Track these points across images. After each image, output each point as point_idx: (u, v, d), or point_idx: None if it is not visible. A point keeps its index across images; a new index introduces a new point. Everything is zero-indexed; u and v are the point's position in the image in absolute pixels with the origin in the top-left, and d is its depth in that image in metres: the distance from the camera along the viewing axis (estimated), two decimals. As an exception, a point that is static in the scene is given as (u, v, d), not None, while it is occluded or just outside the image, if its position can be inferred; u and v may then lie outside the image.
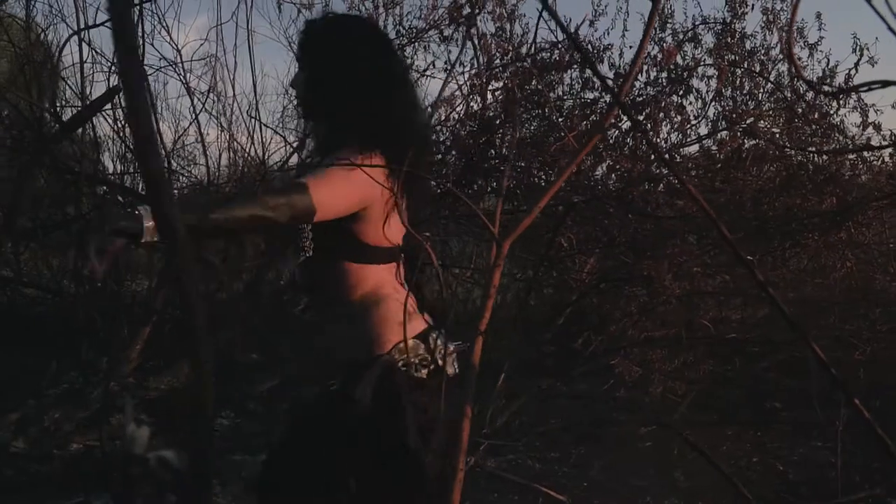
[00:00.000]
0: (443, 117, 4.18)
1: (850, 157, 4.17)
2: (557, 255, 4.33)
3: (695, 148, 4.31)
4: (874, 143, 4.06)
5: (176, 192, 5.25)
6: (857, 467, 3.68)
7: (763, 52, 4.15)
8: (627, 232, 4.14)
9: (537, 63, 4.07)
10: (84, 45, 4.43)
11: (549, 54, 4.10)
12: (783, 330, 4.20)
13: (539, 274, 4.33)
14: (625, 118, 3.93)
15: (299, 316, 5.48)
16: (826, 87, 4.04)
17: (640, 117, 3.96)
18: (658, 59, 4.02)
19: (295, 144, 5.14)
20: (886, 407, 3.71)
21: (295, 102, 2.21)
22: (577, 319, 4.78)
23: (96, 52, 4.84)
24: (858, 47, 3.86)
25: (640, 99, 4.03)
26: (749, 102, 4.14)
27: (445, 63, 4.25)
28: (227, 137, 5.61)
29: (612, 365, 4.31)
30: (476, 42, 4.05)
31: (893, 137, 3.99)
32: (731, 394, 4.75)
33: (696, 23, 4.08)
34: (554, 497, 2.72)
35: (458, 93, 4.24)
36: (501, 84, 4.14)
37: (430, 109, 3.99)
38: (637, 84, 3.98)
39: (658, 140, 4.00)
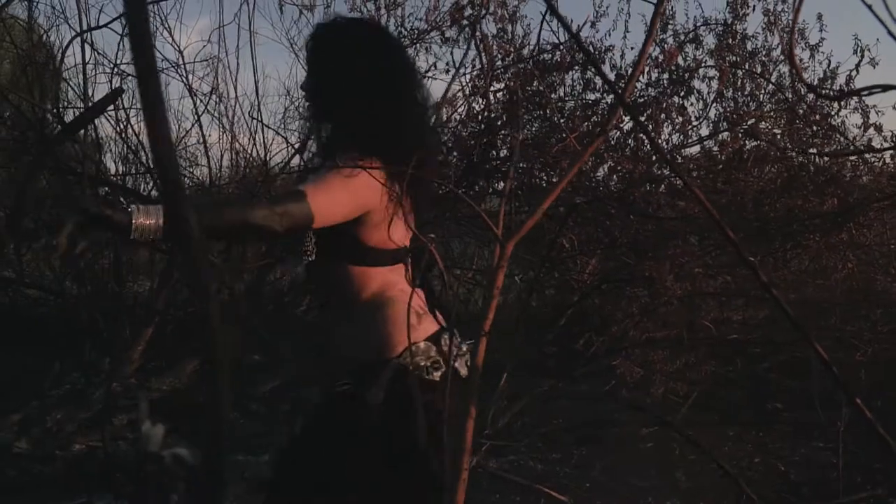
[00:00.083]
0: (444, 118, 4.18)
1: (852, 158, 4.17)
2: (559, 255, 4.33)
3: (696, 149, 4.32)
4: (875, 144, 4.06)
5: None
6: (859, 468, 3.69)
7: (764, 53, 4.16)
8: (629, 233, 4.14)
9: (539, 64, 4.08)
10: (87, 46, 4.44)
11: (550, 55, 4.11)
12: (785, 331, 4.20)
13: (541, 275, 4.34)
14: (626, 119, 3.93)
15: (301, 317, 5.49)
16: (826, 90, 4.04)
17: (642, 118, 3.96)
18: (659, 60, 4.02)
19: (297, 146, 5.15)
20: (888, 407, 3.72)
21: (303, 105, 2.21)
22: (578, 320, 4.79)
23: (99, 53, 4.84)
24: (860, 49, 3.87)
25: (642, 100, 4.03)
26: (750, 103, 4.14)
27: (447, 64, 4.26)
28: (229, 139, 5.62)
29: (613, 366, 4.31)
30: (478, 43, 4.05)
31: (895, 139, 3.99)
32: (733, 394, 4.76)
33: (698, 24, 4.09)
34: (556, 498, 2.73)
35: (459, 94, 4.25)
36: (503, 85, 4.15)
37: (433, 111, 3.99)
38: (638, 85, 3.98)
39: (659, 141, 4.01)
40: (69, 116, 4.62)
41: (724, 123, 4.12)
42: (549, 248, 3.99)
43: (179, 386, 4.21)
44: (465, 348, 1.93)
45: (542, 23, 4.06)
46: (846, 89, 4.03)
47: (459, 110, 4.30)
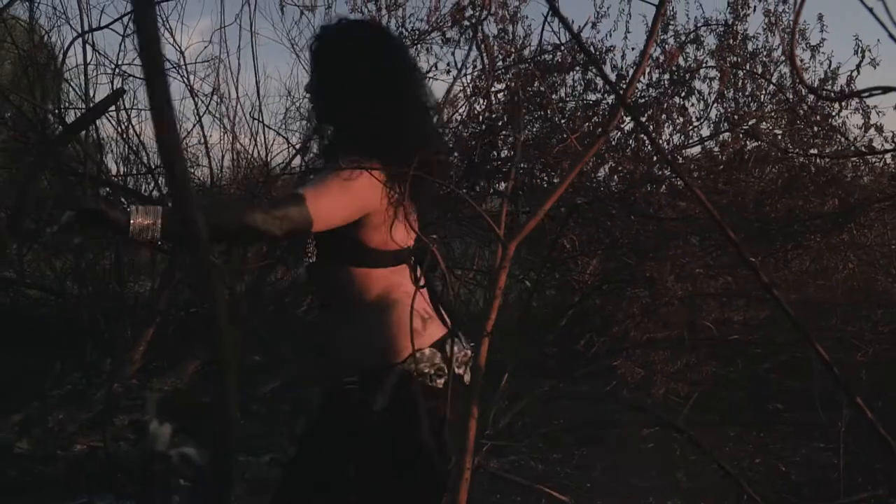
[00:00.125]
0: (445, 119, 4.18)
1: (853, 159, 4.17)
2: (560, 256, 4.34)
3: (697, 149, 4.32)
4: (876, 144, 4.06)
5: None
6: (860, 468, 3.69)
7: (765, 53, 4.16)
8: (630, 233, 4.15)
9: (540, 65, 4.08)
10: (88, 46, 4.45)
11: (551, 56, 4.11)
12: (786, 331, 4.20)
13: (542, 275, 4.34)
14: (627, 119, 3.93)
15: (301, 317, 5.49)
16: (827, 91, 4.04)
17: (643, 119, 3.96)
18: (660, 60, 4.02)
19: (298, 146, 5.15)
20: (889, 408, 3.72)
21: (307, 106, 2.21)
22: (579, 321, 4.79)
23: (100, 54, 4.85)
24: (860, 49, 3.87)
25: (643, 100, 4.04)
26: (751, 104, 4.14)
27: (448, 65, 4.27)
28: (231, 139, 5.62)
29: (614, 366, 4.31)
30: (479, 44, 4.06)
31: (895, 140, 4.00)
32: (734, 395, 4.76)
33: (698, 24, 4.09)
34: (556, 498, 2.73)
35: (460, 95, 4.25)
36: (504, 86, 4.15)
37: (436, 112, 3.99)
38: (639, 85, 3.98)
39: (660, 142, 4.01)
40: (70, 117, 4.63)
41: (725, 124, 4.12)
42: (550, 248, 3.99)
43: (181, 386, 4.22)
44: (470, 354, 1.92)
45: (543, 24, 4.07)
46: (847, 90, 4.04)
47: (460, 111, 4.31)
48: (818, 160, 4.12)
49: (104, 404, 3.89)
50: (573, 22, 4.12)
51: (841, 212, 3.82)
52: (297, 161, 5.14)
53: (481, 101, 4.20)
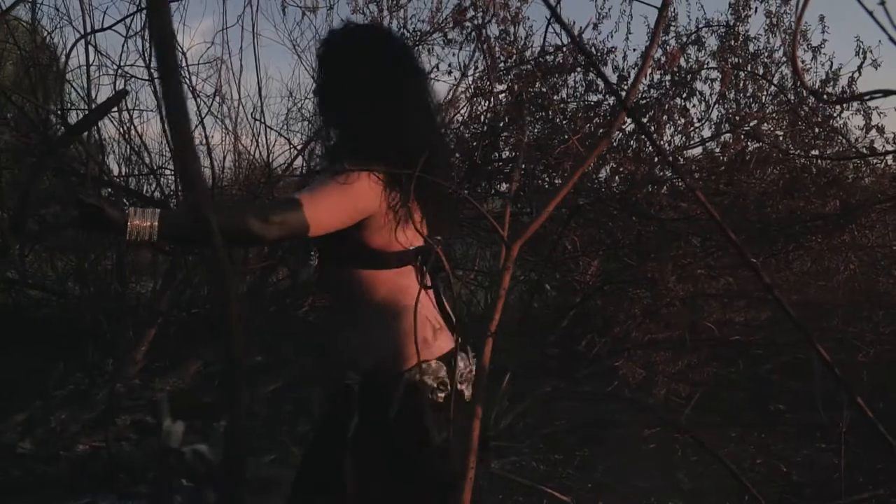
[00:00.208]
0: (447, 120, 4.19)
1: (854, 160, 4.17)
2: (561, 257, 4.34)
3: (698, 150, 4.33)
4: (877, 145, 4.07)
5: (180, 194, 5.27)
6: (861, 469, 3.69)
7: (766, 54, 4.16)
8: (631, 234, 4.15)
9: (541, 66, 4.09)
10: (90, 48, 4.46)
11: (552, 57, 4.11)
12: (787, 332, 4.21)
13: (543, 276, 4.35)
14: (628, 121, 3.93)
15: (302, 318, 5.49)
16: (828, 93, 4.05)
17: (644, 120, 3.96)
18: (662, 61, 4.03)
19: (299, 147, 5.16)
20: (890, 409, 3.72)
21: (314, 109, 2.21)
22: (581, 321, 4.80)
23: (102, 55, 4.85)
24: (861, 50, 3.87)
25: (644, 101, 4.04)
26: (752, 105, 4.15)
27: (449, 66, 4.27)
28: (232, 140, 5.63)
29: (616, 367, 4.32)
30: (482, 46, 4.06)
31: (897, 140, 4.01)
32: (735, 396, 4.76)
33: (700, 25, 4.09)
34: (558, 498, 2.73)
35: (462, 95, 4.26)
36: (505, 87, 4.15)
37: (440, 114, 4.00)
38: (641, 86, 3.98)
39: (661, 143, 4.01)
40: (73, 118, 4.64)
41: (727, 125, 4.12)
42: (551, 249, 4.00)
43: (183, 386, 4.23)
44: (474, 370, 1.93)
45: (547, 25, 4.07)
46: (848, 91, 4.04)
47: (462, 112, 4.31)
48: (819, 161, 4.12)
49: (106, 404, 3.90)
50: (574, 23, 4.12)
51: (842, 213, 3.83)
52: (298, 162, 5.16)
53: (483, 102, 4.21)
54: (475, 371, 1.92)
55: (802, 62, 4.05)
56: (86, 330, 4.78)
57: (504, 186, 4.40)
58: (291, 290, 5.42)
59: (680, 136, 4.15)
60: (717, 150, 4.23)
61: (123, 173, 5.50)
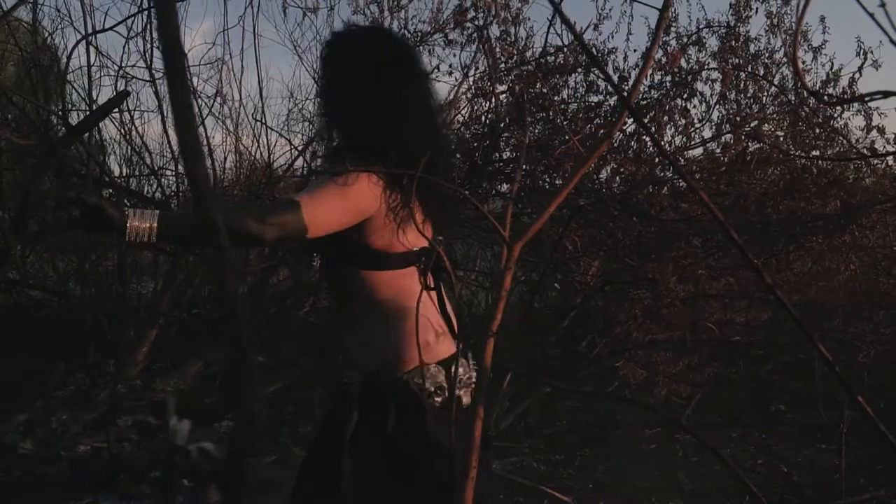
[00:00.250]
0: (448, 121, 4.19)
1: (855, 160, 4.18)
2: (562, 257, 4.34)
3: (699, 151, 4.33)
4: (878, 146, 4.07)
5: (181, 194, 5.28)
6: (862, 469, 3.70)
7: (767, 55, 4.17)
8: (632, 235, 4.15)
9: (542, 67, 4.09)
10: (91, 48, 4.46)
11: (553, 58, 4.12)
12: (788, 333, 4.21)
13: (544, 277, 4.35)
14: (629, 121, 3.93)
15: (303, 319, 5.50)
16: (829, 94, 4.05)
17: (645, 120, 3.97)
18: (662, 62, 4.03)
19: (300, 148, 5.16)
20: (891, 408, 3.72)
21: (318, 111, 2.22)
22: (581, 322, 4.80)
23: (104, 55, 4.86)
24: (862, 51, 3.88)
25: (645, 102, 4.04)
26: (753, 106, 4.15)
27: (450, 66, 4.28)
28: (233, 140, 5.64)
29: (616, 367, 4.32)
30: (485, 47, 4.07)
31: (897, 141, 4.01)
32: (736, 396, 4.76)
33: (701, 26, 4.09)
34: (559, 498, 2.73)
35: (463, 96, 4.26)
36: (506, 87, 4.16)
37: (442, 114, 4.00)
38: (641, 87, 3.99)
39: (662, 143, 4.01)
40: (74, 119, 4.64)
41: (727, 126, 4.13)
42: (552, 249, 4.00)
43: (184, 387, 4.23)
44: (474, 377, 1.94)
45: (549, 26, 4.08)
46: (849, 92, 4.05)
47: (463, 112, 4.32)
48: (820, 162, 4.13)
49: (108, 405, 3.90)
50: (575, 24, 4.12)
51: (843, 213, 3.83)
52: (299, 163, 5.17)
53: (484, 102, 4.22)
54: (476, 374, 1.92)
55: (803, 63, 4.06)
56: (87, 330, 4.79)
57: (505, 187, 4.40)
58: (292, 291, 5.43)
59: (681, 136, 4.16)
60: (718, 150, 4.24)
61: (124, 174, 5.51)
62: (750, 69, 4.12)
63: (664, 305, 4.09)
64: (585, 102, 4.23)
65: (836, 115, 4.15)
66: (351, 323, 1.94)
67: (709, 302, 4.24)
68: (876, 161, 4.37)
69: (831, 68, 4.15)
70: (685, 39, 4.10)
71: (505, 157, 4.37)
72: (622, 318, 4.33)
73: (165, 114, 4.88)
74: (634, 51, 4.21)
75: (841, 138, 4.19)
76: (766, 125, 4.11)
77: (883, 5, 0.85)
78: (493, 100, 4.17)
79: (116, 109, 4.49)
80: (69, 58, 4.84)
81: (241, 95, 7.49)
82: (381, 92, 1.84)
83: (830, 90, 4.14)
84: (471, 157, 4.18)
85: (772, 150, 4.01)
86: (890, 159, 4.38)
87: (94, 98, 4.63)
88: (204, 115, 4.94)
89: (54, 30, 5.30)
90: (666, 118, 4.03)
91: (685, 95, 4.06)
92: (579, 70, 4.13)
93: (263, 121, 5.40)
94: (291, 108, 7.18)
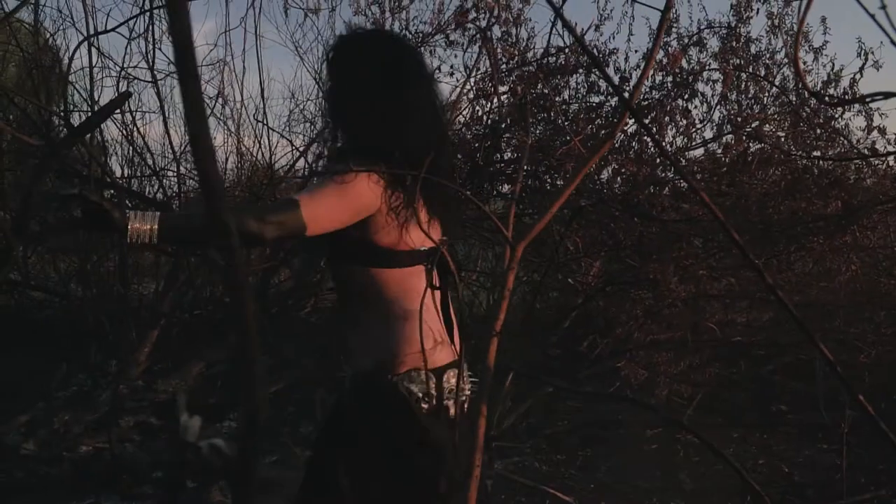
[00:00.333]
0: (450, 121, 4.20)
1: (856, 161, 4.18)
2: (563, 258, 4.35)
3: (700, 152, 4.33)
4: (879, 146, 4.08)
5: (182, 195, 5.29)
6: (863, 469, 3.70)
7: (768, 56, 4.17)
8: (633, 235, 4.16)
9: (543, 67, 4.09)
10: (93, 49, 4.47)
11: (554, 58, 4.12)
12: (789, 333, 4.21)
13: (545, 277, 4.35)
14: (630, 122, 3.94)
15: (305, 319, 5.50)
16: (829, 94, 4.05)
17: (646, 121, 3.97)
18: (663, 63, 4.03)
19: (301, 148, 5.17)
20: (892, 409, 3.73)
21: (325, 113, 2.23)
22: (583, 322, 4.80)
23: (105, 56, 4.87)
24: (863, 52, 3.88)
25: (646, 103, 4.04)
26: (754, 106, 4.15)
27: (451, 67, 4.28)
28: (235, 141, 5.65)
29: (618, 368, 4.32)
30: (488, 48, 4.07)
31: (898, 141, 4.01)
32: (737, 396, 4.76)
33: (702, 27, 4.10)
34: (561, 498, 2.73)
35: (464, 97, 4.26)
36: (507, 88, 4.16)
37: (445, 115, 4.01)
38: (642, 88, 3.99)
39: (663, 144, 4.02)
40: (75, 120, 4.65)
41: (728, 126, 4.13)
42: (554, 250, 4.00)
43: (185, 388, 4.23)
44: (468, 392, 1.95)
45: (551, 27, 4.08)
46: (850, 93, 4.05)
47: (464, 113, 4.32)
48: (821, 162, 4.13)
49: (109, 406, 3.90)
50: (576, 25, 4.12)
51: (844, 214, 3.83)
52: (300, 163, 5.18)
53: (485, 103, 4.22)
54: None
55: (804, 63, 4.06)
56: (88, 331, 4.79)
57: (506, 188, 4.41)
58: (293, 292, 5.44)
59: (682, 137, 4.16)
60: (719, 151, 4.24)
61: (126, 175, 5.52)
62: (751, 70, 4.13)
63: (665, 306, 4.10)
64: (587, 103, 4.23)
65: (837, 116, 4.15)
66: (353, 321, 1.95)
67: (710, 302, 4.24)
68: (877, 161, 4.37)
69: (832, 69, 4.15)
70: (686, 40, 4.10)
71: (506, 157, 4.38)
72: (623, 319, 4.33)
73: (167, 115, 4.90)
74: (636, 51, 4.22)
75: (842, 139, 4.19)
76: (768, 126, 4.11)
77: (884, 7, 0.86)
78: (496, 100, 4.17)
79: (118, 110, 4.50)
80: (71, 59, 4.86)
81: (242, 96, 7.55)
82: (384, 94, 1.85)
83: (831, 91, 4.14)
84: (472, 157, 4.18)
85: (773, 151, 4.01)
86: (891, 160, 4.38)
87: (96, 99, 4.64)
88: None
89: (56, 31, 5.32)
90: (667, 119, 4.03)
91: (686, 96, 4.06)
92: (580, 71, 4.13)
93: (265, 122, 5.42)
94: (293, 109, 7.17)
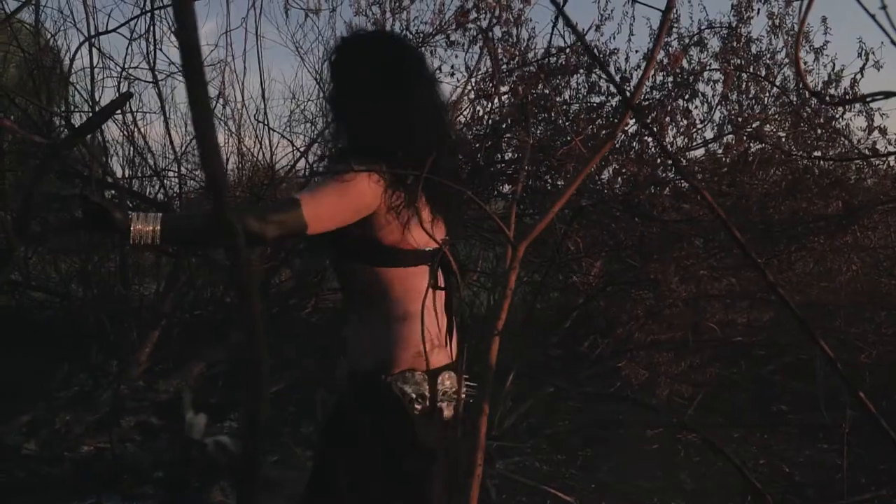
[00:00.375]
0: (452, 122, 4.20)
1: (856, 161, 4.18)
2: (564, 258, 4.35)
3: (700, 152, 4.33)
4: (879, 147, 4.08)
5: (183, 195, 5.29)
6: (863, 469, 3.70)
7: (769, 56, 4.17)
8: (634, 235, 4.16)
9: (544, 67, 4.09)
10: (94, 50, 4.48)
11: (555, 59, 4.12)
12: (789, 333, 4.21)
13: (546, 277, 4.35)
14: (630, 122, 3.94)
15: (305, 319, 5.51)
16: (830, 97, 4.05)
17: (647, 121, 3.97)
18: (664, 63, 4.03)
19: (302, 149, 5.18)
20: (892, 409, 3.73)
21: (328, 115, 2.24)
22: (583, 322, 4.80)
23: (107, 57, 4.87)
24: (864, 52, 3.88)
25: (647, 103, 4.04)
26: (755, 106, 4.15)
27: (452, 67, 4.28)
28: (236, 142, 5.65)
29: (618, 368, 4.32)
30: (490, 48, 4.07)
31: (899, 142, 4.01)
32: (738, 396, 4.77)
33: (702, 27, 4.10)
34: (561, 498, 2.74)
35: (465, 97, 4.26)
36: (507, 88, 4.16)
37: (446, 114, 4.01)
38: (643, 88, 3.99)
39: (665, 143, 4.02)
40: (76, 120, 4.66)
41: (729, 126, 4.13)
42: (554, 250, 4.01)
43: (190, 386, 4.24)
44: (463, 392, 1.95)
45: (553, 27, 4.08)
46: (850, 93, 4.05)
47: (465, 113, 4.32)
48: (822, 162, 4.13)
49: (110, 406, 3.91)
50: (577, 25, 4.12)
51: (844, 214, 3.83)
52: (301, 164, 5.18)
53: (485, 103, 4.22)
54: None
55: (805, 63, 4.06)
56: (89, 332, 4.79)
57: (507, 188, 4.41)
58: (294, 292, 5.44)
59: (682, 137, 4.16)
60: (720, 151, 4.24)
61: (127, 175, 5.52)
62: (752, 70, 4.12)
63: (666, 306, 4.10)
64: (587, 103, 4.23)
65: (837, 116, 4.15)
66: (353, 320, 1.96)
67: (710, 302, 4.24)
68: (877, 161, 4.37)
69: (833, 69, 4.15)
70: (687, 40, 4.10)
71: (507, 157, 4.38)
72: (624, 319, 4.34)
73: (168, 115, 4.90)
74: (636, 51, 4.22)
75: (843, 139, 4.19)
76: (768, 126, 4.11)
77: (884, 7, 0.86)
78: (497, 100, 4.17)
79: (119, 111, 4.50)
80: (72, 59, 4.86)
81: (243, 97, 7.53)
82: (385, 94, 1.86)
83: (832, 91, 4.14)
84: (473, 158, 4.18)
85: (773, 151, 4.02)
86: (891, 160, 4.39)
87: (97, 100, 4.64)
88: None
89: (57, 31, 5.31)
90: (668, 119, 4.03)
91: (687, 96, 4.06)
92: (581, 71, 4.13)
93: (266, 122, 5.42)
94: (293, 110, 7.19)
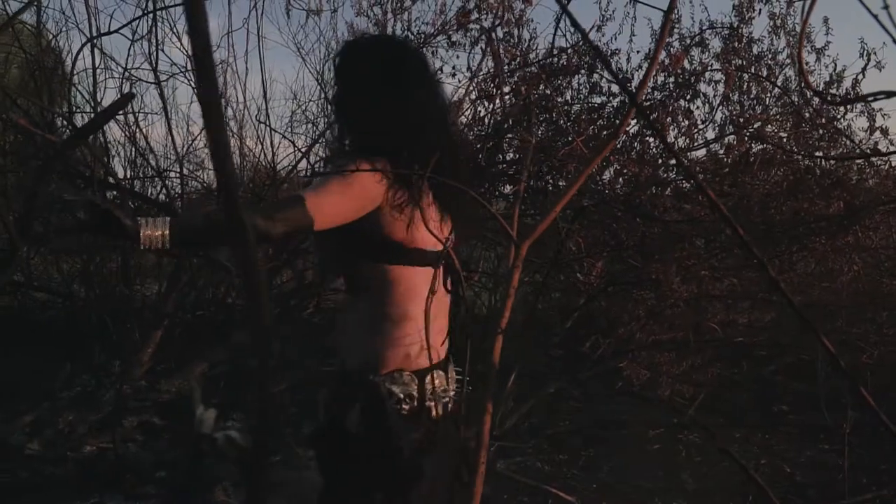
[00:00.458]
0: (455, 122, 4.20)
1: (858, 161, 4.18)
2: (566, 258, 4.35)
3: (702, 152, 4.33)
4: (881, 147, 4.08)
5: (185, 196, 5.30)
6: (864, 469, 3.71)
7: (770, 56, 4.17)
8: (635, 236, 4.16)
9: (545, 68, 4.10)
10: (96, 51, 4.48)
11: (557, 59, 4.12)
12: (791, 334, 4.22)
13: (547, 278, 4.35)
14: (632, 122, 3.94)
15: (307, 320, 5.51)
16: (831, 97, 4.05)
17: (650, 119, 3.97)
18: (665, 63, 4.03)
19: (303, 149, 5.18)
20: (893, 409, 3.72)
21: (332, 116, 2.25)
22: (585, 323, 4.81)
23: (109, 57, 4.88)
24: (865, 52, 3.87)
25: (648, 103, 4.05)
26: (756, 107, 4.15)
27: (453, 68, 4.28)
28: (238, 142, 5.66)
29: (620, 368, 4.33)
30: (493, 48, 4.07)
31: (900, 142, 4.01)
32: (739, 397, 4.77)
33: (704, 27, 4.10)
34: (563, 498, 2.74)
35: (466, 98, 4.27)
36: (509, 89, 4.16)
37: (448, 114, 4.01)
38: (646, 88, 3.99)
39: (668, 141, 4.02)
40: (78, 121, 4.66)
41: (730, 127, 4.13)
42: (556, 250, 4.01)
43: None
44: (451, 390, 1.96)
45: (556, 26, 4.09)
46: (852, 93, 4.05)
47: (466, 113, 4.33)
48: (823, 163, 4.13)
49: (113, 406, 3.92)
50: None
51: (846, 214, 3.83)
52: (303, 164, 5.19)
53: (487, 103, 4.22)
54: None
55: (806, 64, 4.06)
56: (92, 332, 4.80)
57: (508, 188, 4.41)
58: (296, 292, 5.44)
59: (684, 137, 4.16)
60: (721, 151, 4.24)
61: (129, 176, 5.53)
62: (753, 70, 4.13)
63: (667, 306, 4.10)
64: (589, 104, 4.24)
65: (839, 116, 4.15)
66: (352, 317, 1.97)
67: (712, 303, 4.24)
68: (879, 162, 4.37)
69: (835, 69, 4.15)
70: (688, 41, 4.10)
71: (508, 158, 4.38)
72: (625, 319, 4.34)
73: (170, 116, 4.91)
74: (637, 52, 4.22)
75: (844, 139, 4.19)
76: (770, 126, 4.11)
77: (886, 7, 0.86)
78: (499, 100, 4.18)
79: (121, 112, 4.51)
80: (74, 60, 4.87)
81: (244, 97, 7.53)
82: (388, 95, 1.87)
83: (834, 91, 4.14)
84: (474, 158, 4.19)
85: (775, 151, 4.02)
86: (893, 160, 4.38)
87: (99, 100, 4.65)
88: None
89: (58, 32, 5.32)
90: (669, 119, 4.04)
91: (688, 97, 4.07)
92: (583, 71, 4.14)
93: (267, 123, 5.43)
94: (295, 110, 7.19)
